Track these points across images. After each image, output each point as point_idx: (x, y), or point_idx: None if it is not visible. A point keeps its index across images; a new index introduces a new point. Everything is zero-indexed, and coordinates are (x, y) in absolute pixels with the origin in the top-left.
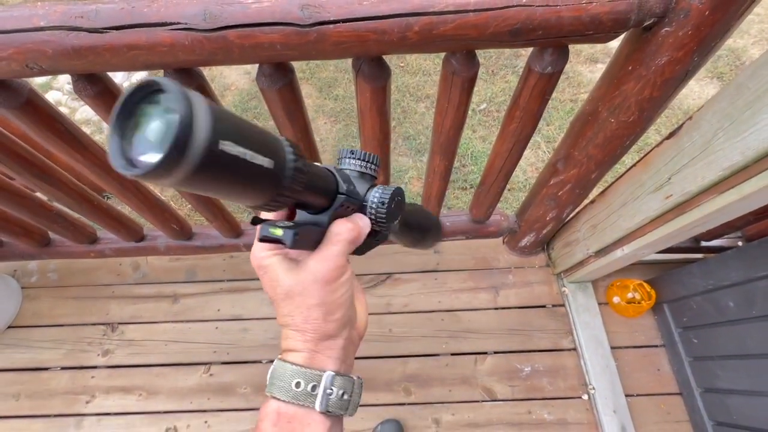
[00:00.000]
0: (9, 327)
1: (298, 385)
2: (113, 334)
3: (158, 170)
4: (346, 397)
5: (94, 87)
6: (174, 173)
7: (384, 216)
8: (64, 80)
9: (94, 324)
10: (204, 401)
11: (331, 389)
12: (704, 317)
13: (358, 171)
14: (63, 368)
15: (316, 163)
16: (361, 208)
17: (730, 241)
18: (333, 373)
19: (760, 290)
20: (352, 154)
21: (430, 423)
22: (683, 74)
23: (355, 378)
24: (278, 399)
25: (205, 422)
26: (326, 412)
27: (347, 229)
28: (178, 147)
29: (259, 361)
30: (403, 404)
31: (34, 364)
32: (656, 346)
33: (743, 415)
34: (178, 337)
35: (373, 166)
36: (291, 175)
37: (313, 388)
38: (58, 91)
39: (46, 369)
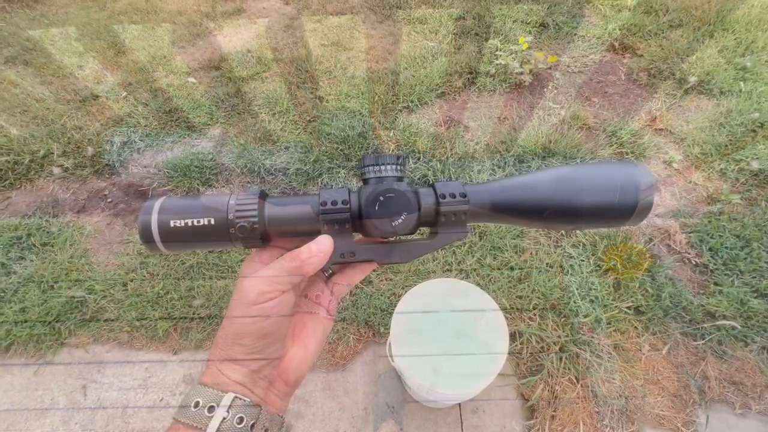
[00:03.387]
0: None
1: (197, 404)
2: None
3: (147, 246)
4: (246, 425)
5: None
6: (154, 249)
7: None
8: None
9: None
10: None
11: (227, 412)
12: None
13: (393, 176)
14: None
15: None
16: None
17: None
18: (234, 395)
19: None
20: (368, 161)
21: None
22: None
23: (263, 407)
24: (177, 421)
25: None
26: None
27: (290, 256)
28: (144, 238)
29: None
30: None
31: None
32: None
33: None
34: None
35: (395, 167)
36: (234, 221)
37: (210, 409)
38: None
39: None
